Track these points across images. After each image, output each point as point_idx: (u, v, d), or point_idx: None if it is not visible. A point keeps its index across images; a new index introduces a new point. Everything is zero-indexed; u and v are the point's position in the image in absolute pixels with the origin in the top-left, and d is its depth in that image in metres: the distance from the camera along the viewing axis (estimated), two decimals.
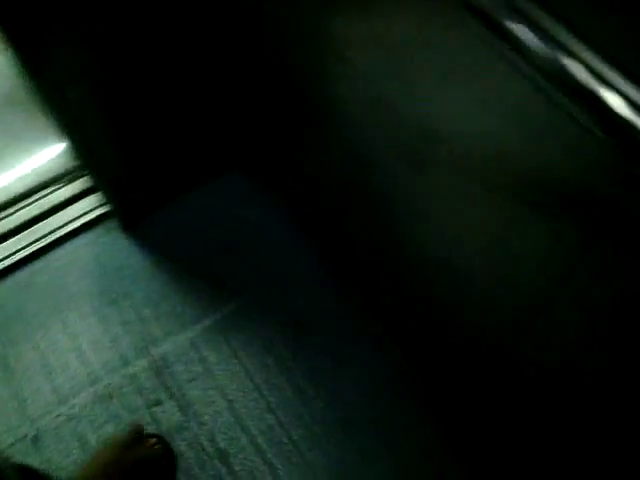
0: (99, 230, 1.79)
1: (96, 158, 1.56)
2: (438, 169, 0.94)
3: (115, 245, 1.76)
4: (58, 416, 1.50)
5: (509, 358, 1.09)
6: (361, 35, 0.94)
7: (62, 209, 1.78)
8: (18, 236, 1.74)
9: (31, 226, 1.75)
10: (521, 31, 0.57)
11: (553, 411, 1.05)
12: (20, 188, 1.79)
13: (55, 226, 1.76)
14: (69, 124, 1.43)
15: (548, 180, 0.72)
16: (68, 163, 1.80)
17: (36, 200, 1.78)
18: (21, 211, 1.77)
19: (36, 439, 1.47)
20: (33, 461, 1.45)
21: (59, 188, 1.80)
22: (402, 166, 1.04)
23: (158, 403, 1.53)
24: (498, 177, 0.82)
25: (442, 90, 0.83)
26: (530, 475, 1.27)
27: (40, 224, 1.75)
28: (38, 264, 1.73)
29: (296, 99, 1.34)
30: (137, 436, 1.15)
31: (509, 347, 1.07)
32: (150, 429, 1.48)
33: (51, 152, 1.86)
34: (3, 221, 1.75)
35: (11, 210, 1.77)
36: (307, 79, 1.22)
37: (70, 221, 1.77)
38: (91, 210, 1.79)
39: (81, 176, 1.80)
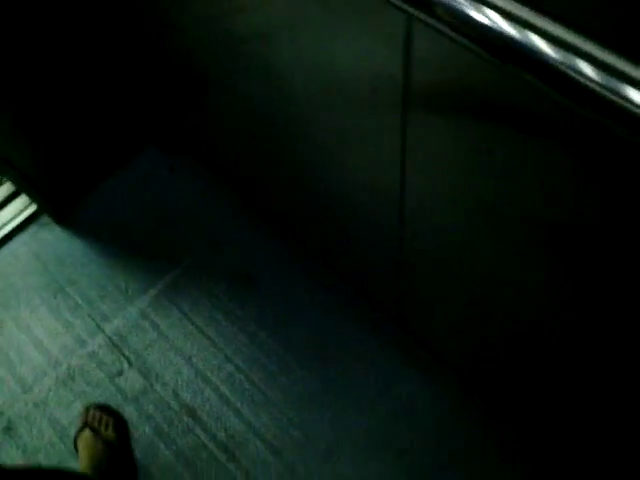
0: (33, 228, 1.84)
1: (10, 163, 1.61)
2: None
3: (51, 239, 1.82)
4: (26, 404, 1.56)
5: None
6: None
7: None
8: None
9: None
10: None
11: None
12: None
13: None
14: None
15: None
16: None
17: None
18: None
19: (8, 429, 1.54)
20: (10, 450, 1.52)
21: None
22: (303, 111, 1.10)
23: (120, 374, 1.60)
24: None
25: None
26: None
27: None
28: None
29: (187, 69, 1.40)
30: (90, 425, 1.48)
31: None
32: (116, 399, 1.56)
33: None
34: None
35: None
36: (193, 47, 1.27)
37: (1, 226, 1.81)
38: (20, 212, 1.84)
39: (1, 183, 1.85)
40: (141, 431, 1.52)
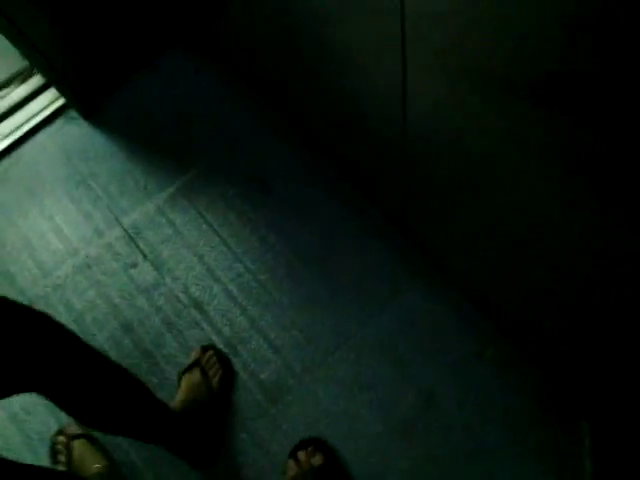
0: (60, 122, 1.88)
1: (42, 54, 1.63)
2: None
3: (77, 132, 1.85)
4: (45, 287, 1.65)
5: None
6: None
7: (21, 108, 1.86)
8: None
9: None
10: None
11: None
12: None
13: (18, 124, 1.85)
14: (9, 26, 1.48)
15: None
16: (17, 64, 1.87)
17: None
18: None
19: None
20: None
21: (14, 89, 1.87)
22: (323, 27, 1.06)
23: (134, 266, 1.65)
24: None
25: None
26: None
27: (2, 125, 1.84)
28: (8, 161, 1.84)
29: None
30: (202, 366, 1.47)
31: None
32: (129, 289, 1.62)
33: None
34: None
35: None
36: None
37: (31, 117, 1.85)
38: (49, 104, 1.87)
39: (33, 74, 1.87)
40: (150, 321, 1.58)
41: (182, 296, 1.61)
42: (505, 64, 0.76)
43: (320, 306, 1.56)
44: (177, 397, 1.42)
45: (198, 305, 1.60)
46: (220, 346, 1.53)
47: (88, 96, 1.84)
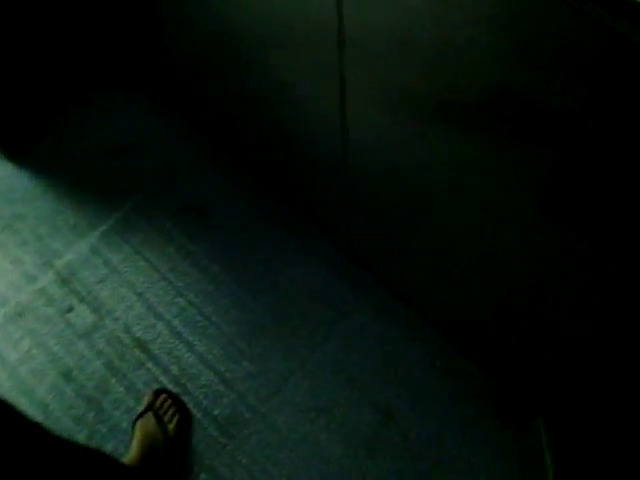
0: None
1: None
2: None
3: (1, 173, 1.76)
4: None
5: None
6: None
7: None
8: None
9: None
10: None
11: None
12: None
13: None
14: None
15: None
16: None
17: None
18: None
19: None
20: None
21: None
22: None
23: (70, 310, 1.58)
24: None
25: None
26: None
27: None
28: None
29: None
30: (155, 411, 1.41)
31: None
32: (66, 335, 1.54)
33: None
34: None
35: None
36: None
37: None
38: None
39: None
40: (92, 367, 1.51)
41: (124, 337, 1.55)
42: (441, 91, 0.77)
43: (269, 334, 1.54)
44: (132, 446, 1.36)
45: (142, 345, 1.54)
46: (169, 386, 1.48)
47: (12, 136, 1.76)
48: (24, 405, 1.45)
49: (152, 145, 1.78)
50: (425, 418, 1.41)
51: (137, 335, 1.55)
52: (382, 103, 0.90)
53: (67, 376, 1.50)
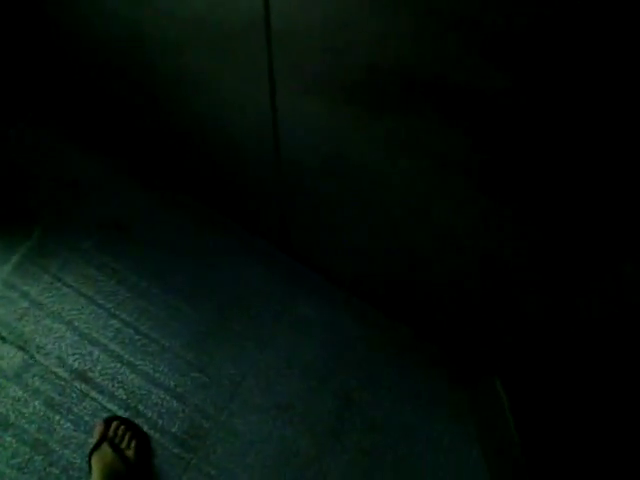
0: None
1: None
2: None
3: None
4: None
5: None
6: None
7: None
8: None
9: None
10: None
11: None
12: None
13: None
14: None
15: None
16: None
17: None
18: None
19: None
20: None
21: None
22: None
23: None
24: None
25: None
26: None
27: None
28: None
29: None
30: (110, 441, 1.35)
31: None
32: None
33: None
34: None
35: None
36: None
37: None
38: None
39: None
40: (31, 408, 1.41)
41: (60, 371, 1.46)
42: (356, 72, 0.78)
43: (214, 341, 1.51)
44: None
45: (81, 375, 1.46)
46: (119, 412, 1.42)
47: None
48: None
49: (54, 166, 1.66)
50: (383, 395, 1.45)
51: (74, 366, 1.46)
52: (310, 91, 0.90)
53: (4, 424, 1.39)
